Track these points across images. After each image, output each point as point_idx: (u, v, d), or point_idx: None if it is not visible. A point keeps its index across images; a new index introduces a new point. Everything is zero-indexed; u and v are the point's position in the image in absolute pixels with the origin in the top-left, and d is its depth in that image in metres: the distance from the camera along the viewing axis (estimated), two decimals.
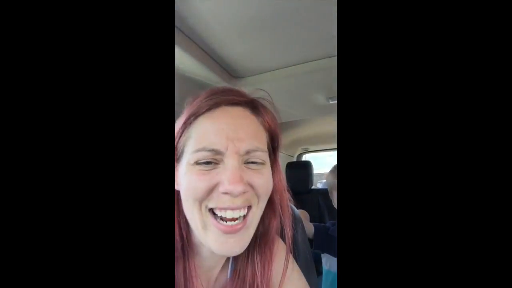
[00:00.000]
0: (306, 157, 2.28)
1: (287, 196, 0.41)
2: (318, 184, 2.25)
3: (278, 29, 0.61)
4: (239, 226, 0.32)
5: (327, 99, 1.01)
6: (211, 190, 0.32)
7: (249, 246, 0.36)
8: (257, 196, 0.34)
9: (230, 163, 0.32)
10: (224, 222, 0.32)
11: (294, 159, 2.15)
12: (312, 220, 1.54)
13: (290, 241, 0.40)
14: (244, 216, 0.33)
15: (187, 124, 0.35)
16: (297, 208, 1.58)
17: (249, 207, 0.34)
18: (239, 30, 0.61)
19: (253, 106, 0.38)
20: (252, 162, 0.34)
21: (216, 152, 0.32)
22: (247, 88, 0.85)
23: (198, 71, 0.74)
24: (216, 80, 0.80)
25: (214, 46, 0.68)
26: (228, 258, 0.40)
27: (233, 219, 0.33)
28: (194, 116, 0.35)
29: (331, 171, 0.94)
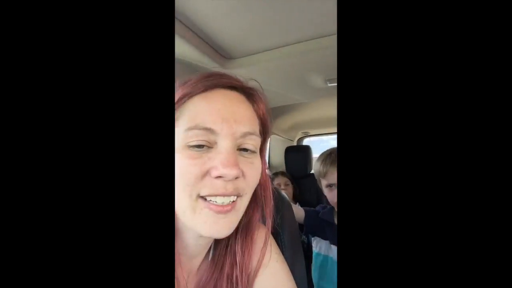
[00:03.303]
0: (308, 142, 2.26)
1: (270, 186, 0.41)
2: None
3: (271, 6, 0.57)
4: (229, 207, 0.32)
5: (325, 81, 0.98)
6: (203, 176, 0.31)
7: (229, 236, 0.36)
8: (247, 185, 0.34)
9: (224, 145, 0.31)
10: (215, 202, 0.32)
11: (294, 143, 2.13)
12: (309, 203, 1.56)
13: (270, 230, 0.40)
14: (233, 201, 0.33)
15: (179, 104, 0.33)
16: (296, 192, 1.59)
17: (239, 196, 0.33)
18: (229, 8, 0.58)
19: (249, 93, 0.38)
20: (245, 150, 0.34)
21: (210, 131, 0.31)
22: (240, 70, 0.82)
23: (187, 53, 0.71)
24: (207, 62, 0.77)
25: (204, 26, 0.65)
26: (209, 249, 0.40)
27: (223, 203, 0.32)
28: (188, 96, 0.33)
29: (318, 158, 0.92)
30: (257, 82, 0.41)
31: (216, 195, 0.31)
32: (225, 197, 0.32)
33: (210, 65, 0.78)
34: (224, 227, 0.32)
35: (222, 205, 0.31)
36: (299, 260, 0.50)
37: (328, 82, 0.97)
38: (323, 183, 0.89)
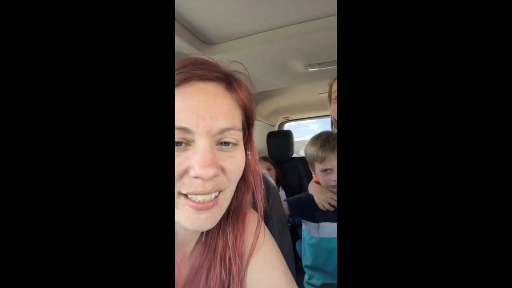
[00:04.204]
0: (287, 126, 2.29)
1: (260, 172, 0.41)
2: (301, 151, 2.31)
3: None
4: (210, 204, 0.32)
5: (305, 66, 0.99)
6: (182, 175, 0.31)
7: (221, 219, 0.37)
8: (229, 180, 0.34)
9: (201, 144, 0.31)
10: (196, 198, 0.32)
11: (276, 129, 2.15)
12: (292, 186, 1.60)
13: (262, 214, 0.41)
14: (216, 197, 0.33)
15: None
16: (279, 176, 1.61)
17: (220, 191, 0.34)
18: None
19: (228, 81, 0.36)
20: (225, 143, 0.34)
21: (186, 131, 0.30)
22: (220, 55, 0.81)
23: None
24: (186, 48, 0.74)
25: (184, 11, 0.63)
26: (202, 233, 0.41)
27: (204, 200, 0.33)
28: None
29: (314, 143, 0.93)
30: (241, 64, 0.39)
31: (195, 194, 0.31)
32: (206, 195, 0.32)
33: (189, 50, 0.76)
34: (206, 221, 0.33)
35: (203, 202, 0.32)
36: (286, 240, 0.53)
37: (308, 67, 0.98)
38: (319, 167, 0.90)
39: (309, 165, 0.97)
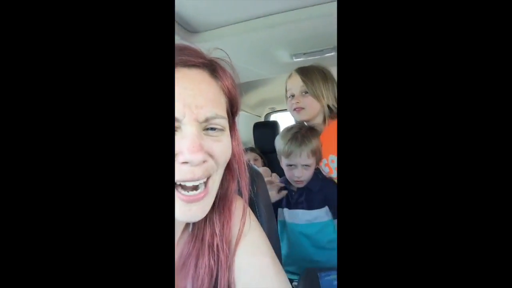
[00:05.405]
0: (274, 117, 2.29)
1: (244, 160, 0.42)
2: None
3: None
4: (201, 195, 0.33)
5: (290, 56, 0.99)
6: None
7: None
8: (216, 164, 0.34)
9: (189, 130, 0.31)
10: (186, 192, 0.32)
11: (262, 119, 2.15)
12: (278, 177, 1.62)
13: (247, 201, 0.42)
14: (205, 184, 0.34)
15: None
16: (265, 167, 1.62)
17: (209, 177, 0.34)
18: None
19: (212, 68, 0.36)
20: (212, 129, 0.34)
21: None
22: (204, 44, 0.79)
23: None
24: None
25: None
26: (188, 223, 0.41)
27: (195, 188, 0.33)
28: None
29: (281, 134, 0.92)
30: (223, 51, 0.39)
31: (185, 181, 0.32)
32: (195, 181, 0.32)
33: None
34: (197, 212, 0.33)
35: (193, 195, 0.32)
36: (273, 226, 0.54)
37: (294, 57, 0.98)
38: (284, 161, 0.90)
39: (277, 155, 0.97)
